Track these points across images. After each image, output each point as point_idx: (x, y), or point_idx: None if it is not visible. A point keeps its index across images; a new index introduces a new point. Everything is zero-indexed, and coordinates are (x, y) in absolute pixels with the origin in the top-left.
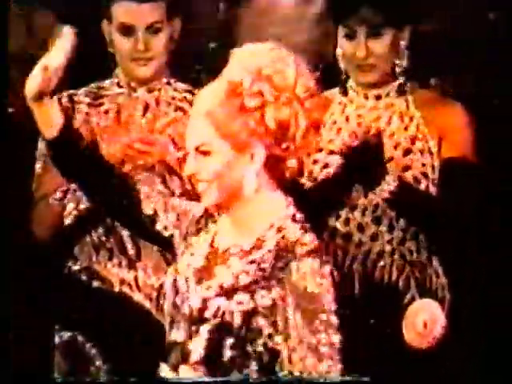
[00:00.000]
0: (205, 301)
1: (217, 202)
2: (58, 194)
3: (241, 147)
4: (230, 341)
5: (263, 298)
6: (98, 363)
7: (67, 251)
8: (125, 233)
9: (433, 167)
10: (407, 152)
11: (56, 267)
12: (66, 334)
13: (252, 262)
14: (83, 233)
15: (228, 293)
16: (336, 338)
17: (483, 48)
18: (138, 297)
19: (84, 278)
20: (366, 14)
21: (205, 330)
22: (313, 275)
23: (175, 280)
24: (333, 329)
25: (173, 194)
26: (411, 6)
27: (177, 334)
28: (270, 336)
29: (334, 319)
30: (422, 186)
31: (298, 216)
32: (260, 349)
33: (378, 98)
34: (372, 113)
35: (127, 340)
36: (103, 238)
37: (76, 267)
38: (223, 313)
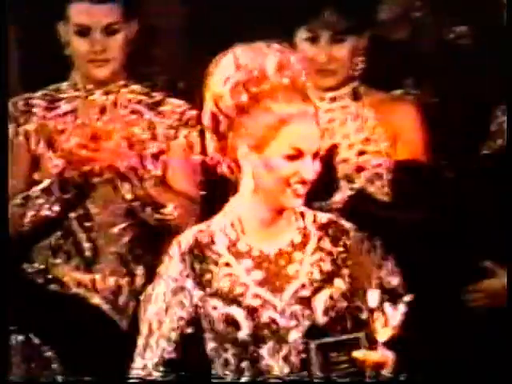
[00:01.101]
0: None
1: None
2: (19, 200)
3: None
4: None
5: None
6: (54, 365)
7: (24, 253)
8: (82, 236)
9: (387, 168)
10: (361, 153)
11: (12, 269)
12: (22, 337)
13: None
14: (41, 237)
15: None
16: None
17: (440, 55)
18: (94, 299)
19: (40, 280)
20: (330, 18)
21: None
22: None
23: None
24: None
25: (120, 200)
26: (372, 13)
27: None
28: None
29: None
30: (376, 187)
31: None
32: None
33: (333, 100)
34: (327, 115)
35: (83, 342)
36: (60, 241)
37: (32, 269)
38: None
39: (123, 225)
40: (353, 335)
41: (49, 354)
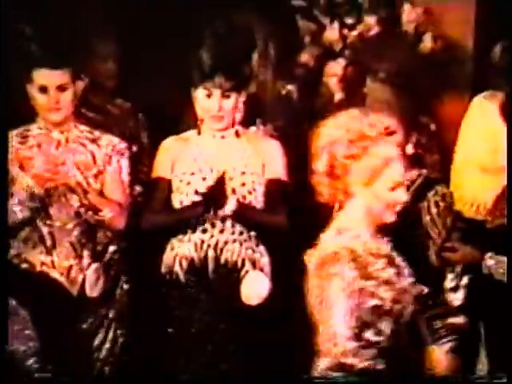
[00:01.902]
0: None
1: None
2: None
3: None
4: None
5: None
6: (26, 319)
7: (6, 242)
8: (45, 230)
9: (259, 184)
10: (243, 173)
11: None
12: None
13: None
14: (17, 232)
15: None
16: None
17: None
18: (54, 274)
19: (16, 261)
20: (219, 81)
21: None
22: None
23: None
24: None
25: (71, 206)
26: (246, 76)
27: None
28: None
29: None
30: (253, 197)
31: None
32: None
33: (223, 137)
34: (219, 147)
35: (46, 303)
36: (30, 234)
37: (10, 254)
38: None
39: (73, 223)
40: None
41: (23, 312)
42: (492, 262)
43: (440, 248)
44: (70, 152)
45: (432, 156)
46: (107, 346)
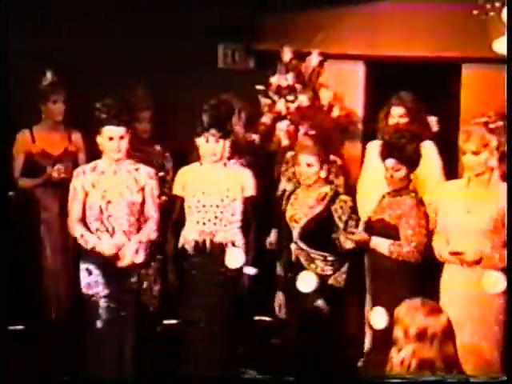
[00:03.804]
0: None
1: None
2: None
3: None
4: None
5: None
6: (100, 278)
7: None
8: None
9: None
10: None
11: None
12: None
13: None
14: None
15: None
16: None
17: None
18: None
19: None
20: (213, 132)
21: None
22: None
23: None
24: None
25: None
26: (229, 130)
27: None
28: None
29: None
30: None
31: None
32: None
33: (215, 167)
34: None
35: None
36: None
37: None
38: None
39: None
40: None
41: (95, 271)
42: (375, 242)
43: (344, 230)
44: (122, 177)
45: (338, 178)
46: (149, 289)
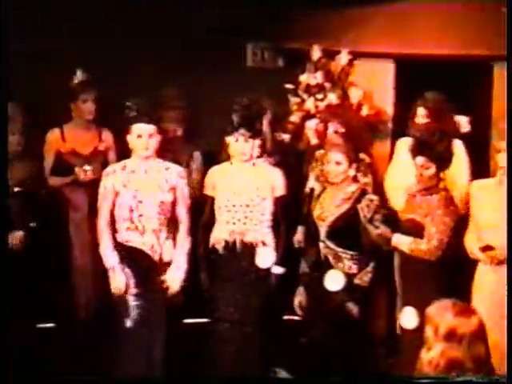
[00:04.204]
0: None
1: None
2: None
3: None
4: None
5: None
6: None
7: None
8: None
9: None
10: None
11: None
12: None
13: None
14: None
15: None
16: None
17: None
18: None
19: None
20: (243, 132)
21: None
22: None
23: None
24: None
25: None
26: (258, 129)
27: None
28: None
29: None
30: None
31: None
32: None
33: (245, 166)
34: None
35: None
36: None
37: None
38: None
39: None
40: None
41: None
42: (396, 239)
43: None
44: (153, 176)
45: (366, 177)
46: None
